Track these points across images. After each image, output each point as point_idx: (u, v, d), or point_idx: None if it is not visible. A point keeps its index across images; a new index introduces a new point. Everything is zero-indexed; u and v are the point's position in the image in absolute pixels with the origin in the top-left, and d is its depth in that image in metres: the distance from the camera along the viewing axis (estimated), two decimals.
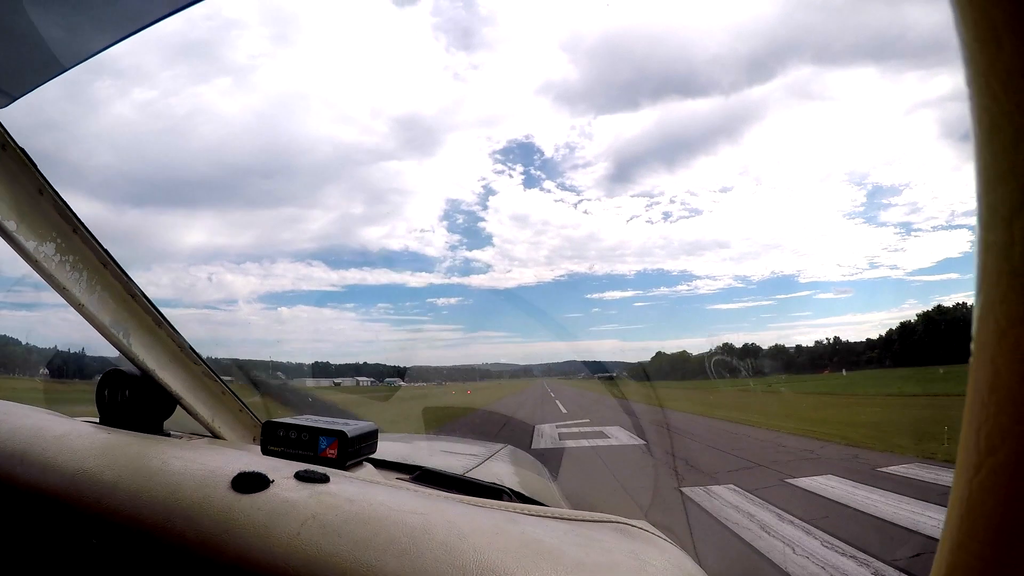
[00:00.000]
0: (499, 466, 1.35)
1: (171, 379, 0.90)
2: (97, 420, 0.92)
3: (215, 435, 1.00)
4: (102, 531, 0.61)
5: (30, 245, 0.73)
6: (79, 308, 0.79)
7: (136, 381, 0.90)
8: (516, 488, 0.97)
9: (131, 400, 0.90)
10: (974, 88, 0.21)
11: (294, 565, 0.51)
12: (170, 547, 0.57)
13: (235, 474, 0.62)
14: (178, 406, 0.94)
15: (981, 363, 0.22)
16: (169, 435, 0.95)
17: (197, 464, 0.66)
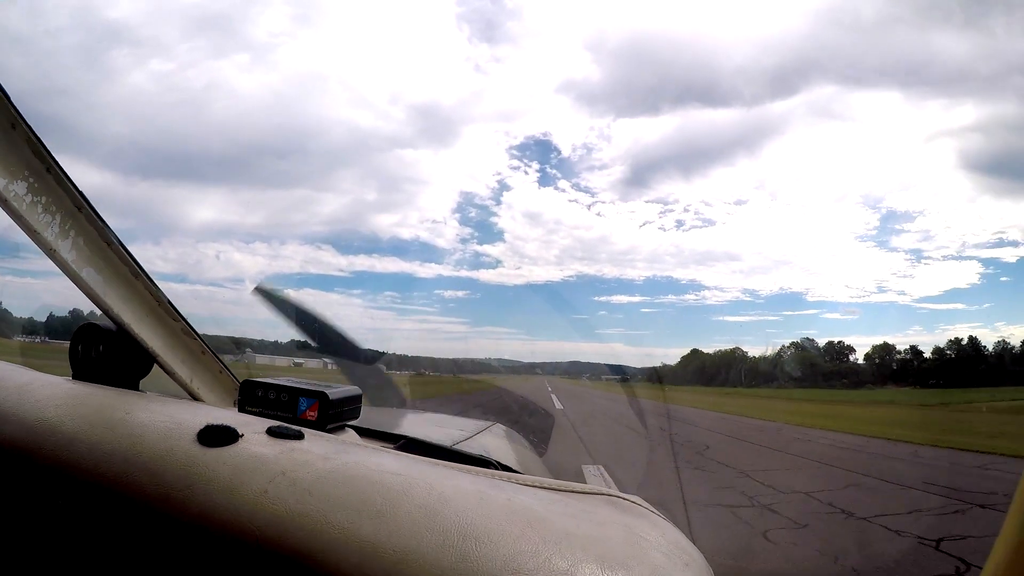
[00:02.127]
0: (488, 440, 1.32)
1: (148, 335, 0.86)
2: (71, 377, 0.88)
3: (194, 396, 0.96)
4: (61, 483, 0.58)
5: (0, 183, 0.69)
6: (51, 254, 0.75)
7: (111, 336, 0.86)
8: (504, 461, 0.94)
9: (105, 356, 0.86)
10: None
11: (259, 524, 0.48)
12: (131, 501, 0.54)
13: (202, 427, 0.58)
14: (155, 364, 0.90)
15: None
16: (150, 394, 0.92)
17: (163, 416, 0.63)
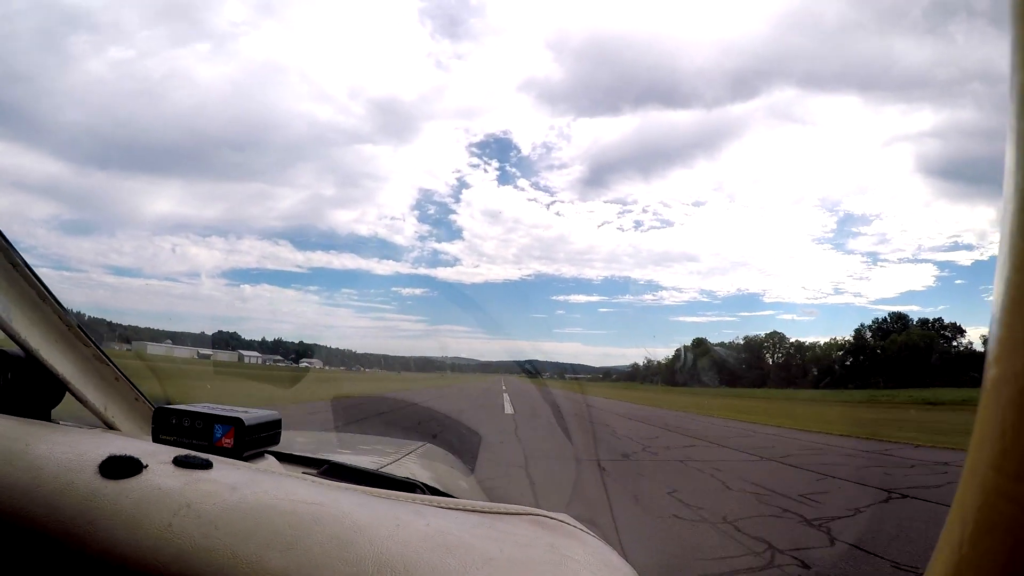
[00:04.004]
0: (415, 462, 1.31)
1: (58, 361, 0.83)
2: None
3: (108, 425, 0.92)
4: None
5: None
6: None
7: (20, 363, 0.82)
8: (431, 483, 0.93)
9: (13, 384, 0.82)
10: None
11: (164, 560, 0.46)
12: (31, 536, 0.51)
13: (105, 457, 0.56)
14: (67, 392, 0.86)
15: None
16: (58, 425, 0.87)
17: (64, 447, 0.60)
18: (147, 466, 0.56)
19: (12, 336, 0.78)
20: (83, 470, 0.55)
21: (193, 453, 0.62)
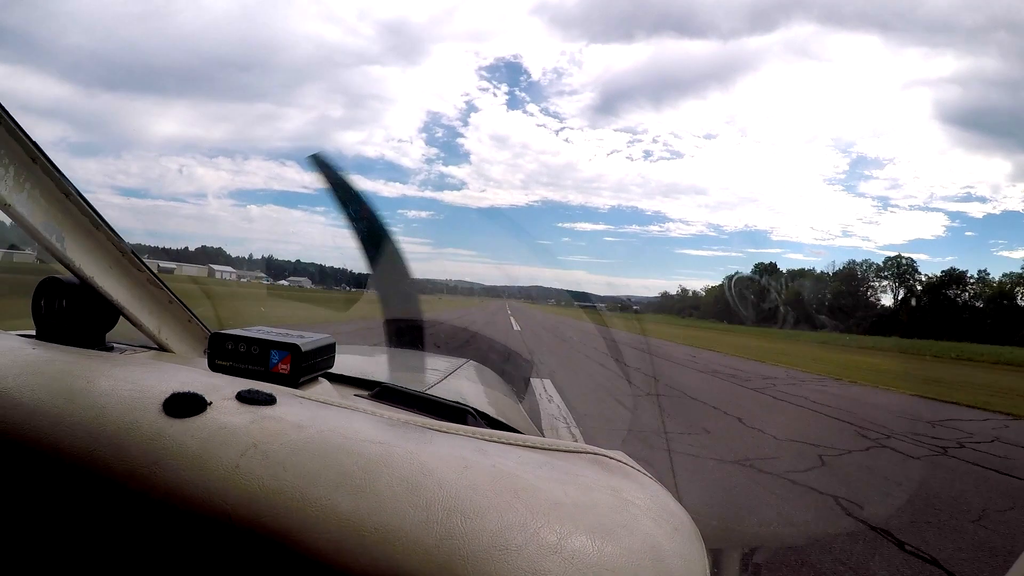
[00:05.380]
0: (463, 383, 1.33)
1: (112, 287, 0.85)
2: (34, 333, 0.86)
3: (162, 347, 0.96)
4: (22, 458, 0.54)
5: None
6: (5, 208, 0.72)
7: (74, 290, 0.84)
8: (482, 409, 0.95)
9: (69, 310, 0.84)
10: None
11: (232, 501, 0.44)
12: (96, 478, 0.50)
13: (168, 394, 0.54)
14: (121, 317, 0.89)
15: None
16: (112, 349, 0.91)
17: (128, 383, 0.58)
18: (211, 403, 0.55)
19: (67, 264, 0.80)
20: (147, 408, 0.53)
21: (255, 387, 0.61)
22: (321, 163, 1.28)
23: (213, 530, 0.45)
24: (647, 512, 0.47)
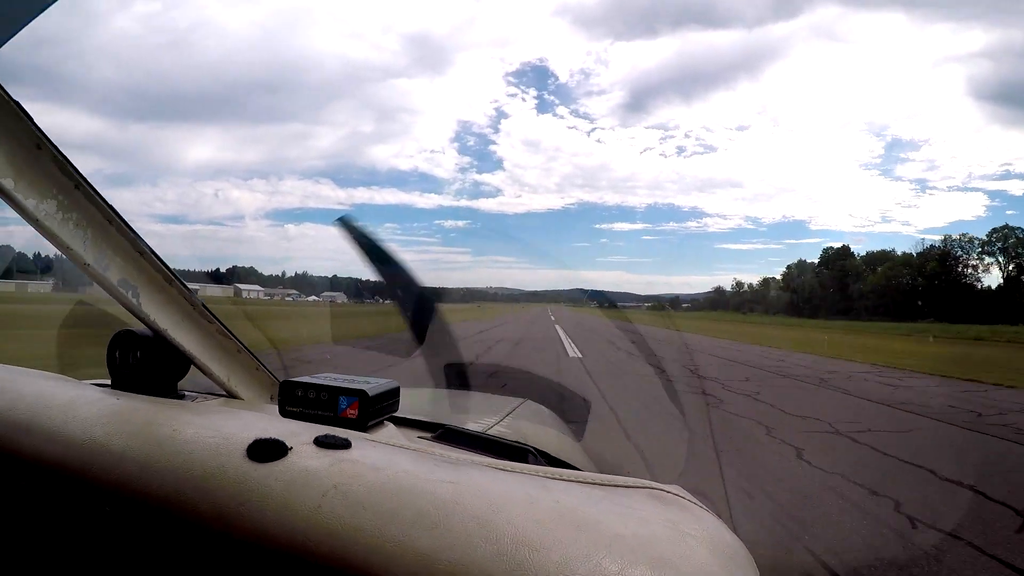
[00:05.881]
0: (521, 423, 1.34)
1: (184, 338, 0.88)
2: (108, 383, 0.90)
3: (231, 394, 0.99)
4: (112, 503, 0.59)
5: (29, 203, 0.68)
6: (84, 268, 0.76)
7: (148, 342, 0.88)
8: (541, 447, 0.96)
9: (143, 361, 0.88)
10: None
11: (315, 539, 0.48)
12: (183, 520, 0.54)
13: (251, 441, 0.58)
14: (192, 366, 0.93)
15: None
16: (183, 396, 0.94)
17: (211, 430, 0.63)
18: (291, 448, 0.58)
19: (142, 318, 0.83)
20: (232, 454, 0.57)
21: (332, 432, 0.64)
22: (348, 226, 1.27)
23: (297, 569, 0.48)
24: (703, 543, 0.49)
